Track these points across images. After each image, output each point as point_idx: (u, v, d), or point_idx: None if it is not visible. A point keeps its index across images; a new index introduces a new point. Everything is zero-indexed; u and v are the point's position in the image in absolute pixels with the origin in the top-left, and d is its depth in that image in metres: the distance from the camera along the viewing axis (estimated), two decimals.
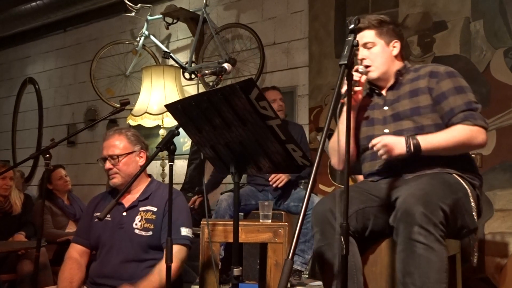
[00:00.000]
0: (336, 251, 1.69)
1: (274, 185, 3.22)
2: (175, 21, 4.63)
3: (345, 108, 2.05)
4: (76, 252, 2.21)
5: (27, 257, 3.29)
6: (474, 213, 1.87)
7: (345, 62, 1.53)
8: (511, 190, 3.01)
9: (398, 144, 1.84)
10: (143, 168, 1.85)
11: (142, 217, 2.14)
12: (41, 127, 6.15)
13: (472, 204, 1.86)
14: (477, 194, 1.92)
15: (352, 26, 1.59)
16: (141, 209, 2.17)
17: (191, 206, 3.48)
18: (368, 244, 1.95)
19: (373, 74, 2.07)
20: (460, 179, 1.87)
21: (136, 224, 2.13)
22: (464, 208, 1.81)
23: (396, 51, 2.10)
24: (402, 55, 2.15)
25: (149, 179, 2.29)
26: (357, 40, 1.62)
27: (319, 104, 3.90)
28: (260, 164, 1.70)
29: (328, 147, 2.18)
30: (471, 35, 3.25)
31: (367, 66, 2.05)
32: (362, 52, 2.08)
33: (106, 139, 2.25)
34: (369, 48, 2.07)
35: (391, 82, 2.11)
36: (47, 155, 2.60)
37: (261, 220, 2.30)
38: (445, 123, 1.95)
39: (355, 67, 1.99)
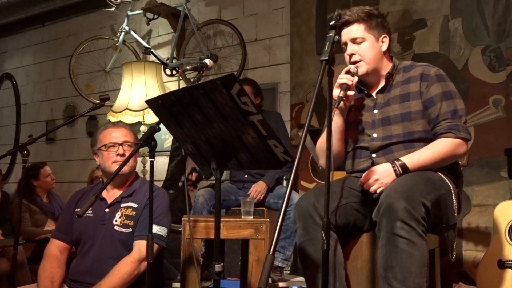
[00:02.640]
0: (318, 246, 1.70)
1: (255, 200, 3.18)
2: (156, 16, 4.59)
3: (337, 112, 1.99)
4: (56, 248, 2.17)
5: (4, 255, 3.23)
6: (454, 210, 1.89)
7: (326, 58, 1.53)
8: (488, 185, 3.07)
9: (387, 172, 1.84)
10: (123, 164, 1.82)
11: (122, 213, 2.13)
12: (19, 123, 6.05)
13: (454, 201, 1.88)
14: (458, 192, 1.95)
15: (333, 22, 1.59)
16: (122, 205, 2.15)
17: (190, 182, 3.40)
18: (349, 239, 1.97)
19: (362, 69, 1.99)
20: (443, 176, 1.89)
21: (116, 221, 2.11)
22: (446, 204, 1.84)
23: (385, 46, 2.04)
24: (390, 52, 2.09)
25: (134, 176, 2.27)
26: (338, 37, 1.61)
27: (301, 100, 3.91)
28: (242, 160, 1.70)
29: (316, 148, 2.17)
30: (450, 33, 3.29)
31: (355, 62, 1.99)
32: (351, 47, 2.01)
33: (114, 127, 2.24)
34: (358, 43, 2.00)
35: (381, 83, 2.06)
36: (25, 152, 2.57)
37: (242, 216, 2.30)
38: (431, 129, 1.95)
39: (346, 68, 1.96)
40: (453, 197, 1.89)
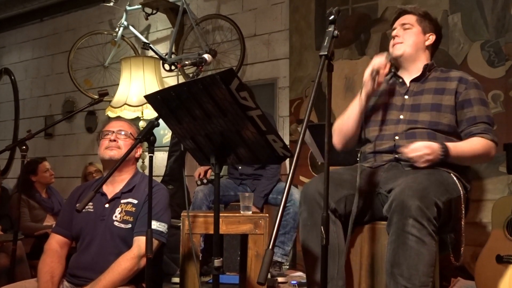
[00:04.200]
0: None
1: None
2: (154, 11, 4.57)
3: (364, 91, 2.05)
4: (57, 243, 2.17)
5: (3, 250, 3.23)
6: (462, 216, 1.89)
7: (325, 53, 1.53)
8: (487, 180, 3.07)
9: (437, 152, 1.86)
10: (123, 158, 1.82)
11: (122, 209, 2.12)
12: (17, 118, 6.03)
13: (462, 206, 1.89)
14: (467, 198, 1.96)
15: (332, 17, 1.58)
16: (122, 201, 2.15)
17: (201, 178, 3.33)
18: (352, 229, 1.96)
19: (399, 50, 2.11)
20: (456, 180, 1.90)
21: (116, 216, 2.11)
22: (454, 209, 1.84)
23: (429, 42, 2.14)
24: (433, 52, 2.19)
25: (134, 171, 2.27)
26: (337, 32, 1.60)
27: (300, 96, 3.91)
28: (241, 155, 1.70)
29: (333, 126, 2.18)
30: (449, 28, 3.29)
31: (397, 43, 2.11)
32: (398, 30, 2.14)
33: (115, 121, 2.33)
34: (405, 29, 2.12)
35: (416, 73, 2.13)
36: (24, 147, 2.56)
37: (241, 212, 2.30)
38: (462, 128, 2.01)
39: (382, 54, 2.05)
40: (462, 203, 1.89)
